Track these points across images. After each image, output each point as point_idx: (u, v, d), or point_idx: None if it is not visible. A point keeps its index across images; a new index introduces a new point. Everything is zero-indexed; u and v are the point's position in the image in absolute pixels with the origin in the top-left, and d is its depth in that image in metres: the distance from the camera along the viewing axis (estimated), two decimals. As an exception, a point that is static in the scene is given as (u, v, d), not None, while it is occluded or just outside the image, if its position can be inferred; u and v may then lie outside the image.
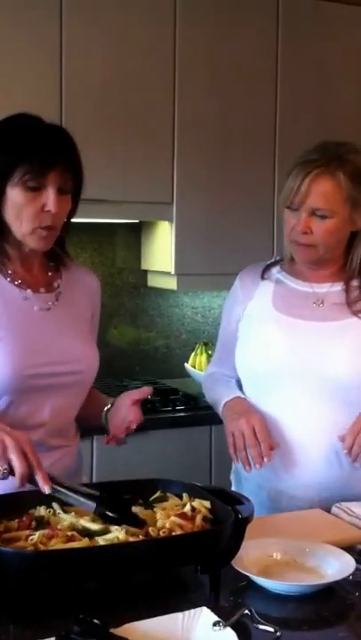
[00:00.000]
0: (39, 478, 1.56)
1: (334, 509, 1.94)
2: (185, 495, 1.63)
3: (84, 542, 1.45)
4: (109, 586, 1.48)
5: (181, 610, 1.36)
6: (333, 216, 2.03)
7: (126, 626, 1.31)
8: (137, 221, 3.68)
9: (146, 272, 3.83)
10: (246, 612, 1.38)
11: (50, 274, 1.97)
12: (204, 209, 3.57)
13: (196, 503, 1.58)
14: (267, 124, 3.69)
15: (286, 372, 2.07)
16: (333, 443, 2.03)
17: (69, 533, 1.47)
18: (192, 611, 1.36)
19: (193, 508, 1.56)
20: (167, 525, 1.51)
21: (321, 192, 2.03)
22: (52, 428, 1.90)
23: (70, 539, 1.46)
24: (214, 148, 3.56)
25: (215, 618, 1.33)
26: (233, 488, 2.24)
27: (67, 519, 1.52)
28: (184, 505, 1.58)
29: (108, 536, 1.46)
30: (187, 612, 1.36)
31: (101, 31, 3.29)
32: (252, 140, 3.64)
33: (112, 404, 2.02)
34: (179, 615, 1.35)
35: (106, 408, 2.02)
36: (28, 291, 1.89)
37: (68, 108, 3.22)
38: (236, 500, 1.57)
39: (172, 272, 3.52)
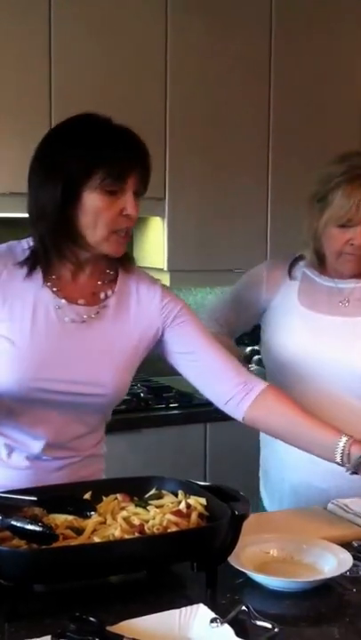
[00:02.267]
0: None
1: (331, 506, 1.94)
2: (180, 492, 1.62)
3: (78, 540, 1.44)
4: (105, 583, 1.48)
5: (178, 607, 1.36)
6: None
7: (122, 623, 1.30)
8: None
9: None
10: (243, 608, 1.37)
11: (100, 283, 1.85)
12: (196, 205, 3.56)
13: (192, 500, 1.57)
14: (260, 120, 3.68)
15: (309, 364, 2.11)
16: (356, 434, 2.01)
17: (63, 532, 1.46)
18: (189, 608, 1.35)
19: (188, 506, 1.55)
20: (163, 523, 1.50)
21: None
22: (53, 440, 1.81)
23: (64, 537, 1.45)
24: (206, 144, 3.55)
25: (212, 615, 1.33)
26: (261, 486, 2.30)
27: (60, 517, 1.51)
28: (179, 502, 1.57)
29: (103, 534, 1.46)
30: (183, 609, 1.35)
31: (91, 26, 3.27)
32: (245, 136, 3.64)
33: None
34: (175, 612, 1.35)
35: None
36: (63, 300, 1.79)
37: (57, 105, 3.20)
38: (232, 496, 1.56)
39: (165, 268, 3.52)
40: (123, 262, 1.88)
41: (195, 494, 1.59)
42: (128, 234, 1.79)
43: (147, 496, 1.63)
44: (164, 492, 1.64)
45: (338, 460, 1.79)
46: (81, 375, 1.77)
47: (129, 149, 1.76)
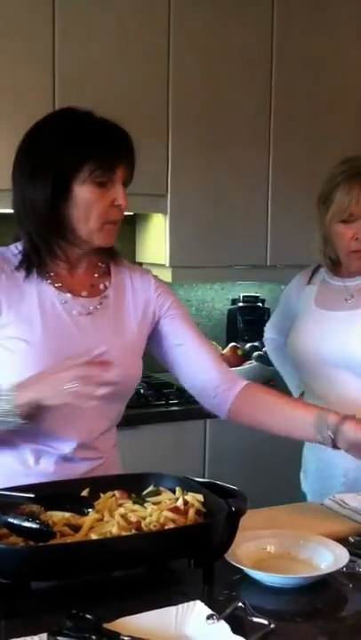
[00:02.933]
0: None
1: (328, 502, 1.94)
2: (178, 489, 1.62)
3: (75, 537, 1.44)
4: (102, 580, 1.48)
5: (175, 604, 1.36)
6: None
7: (119, 620, 1.31)
8: (131, 214, 3.67)
9: (140, 264, 3.83)
10: (240, 604, 1.38)
11: (96, 276, 1.90)
12: (198, 201, 3.56)
13: (189, 497, 1.57)
14: (262, 116, 3.68)
15: (321, 359, 2.27)
16: None
17: (61, 529, 1.46)
18: (185, 604, 1.36)
19: (186, 502, 1.55)
20: (160, 520, 1.50)
21: None
22: (83, 439, 1.82)
23: (62, 534, 1.45)
24: (209, 140, 3.55)
25: (209, 611, 1.33)
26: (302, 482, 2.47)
27: (58, 515, 1.51)
28: (177, 499, 1.57)
29: (101, 531, 1.46)
30: (180, 606, 1.35)
31: (95, 20, 3.26)
32: (247, 133, 3.64)
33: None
34: (172, 609, 1.35)
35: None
36: (68, 294, 1.83)
37: (60, 100, 3.20)
38: (230, 493, 1.57)
39: (167, 264, 3.52)
40: (112, 256, 1.92)
41: (192, 491, 1.60)
42: (118, 224, 1.82)
43: (144, 493, 1.63)
44: (161, 488, 1.64)
45: (318, 434, 1.79)
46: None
47: (116, 140, 1.79)
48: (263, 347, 3.86)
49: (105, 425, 1.88)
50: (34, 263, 1.81)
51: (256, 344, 3.82)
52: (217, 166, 3.58)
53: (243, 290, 4.14)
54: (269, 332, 2.73)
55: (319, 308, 2.36)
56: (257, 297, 4.10)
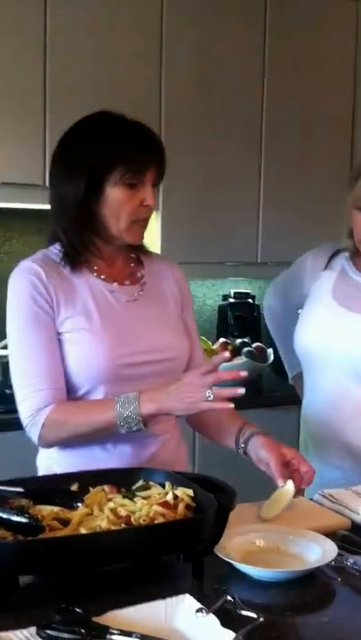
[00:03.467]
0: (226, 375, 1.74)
1: (317, 497, 1.95)
2: (167, 484, 1.62)
3: (65, 532, 1.45)
4: (91, 575, 1.48)
5: (164, 597, 1.36)
6: None
7: (108, 614, 1.30)
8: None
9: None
10: (229, 598, 1.38)
11: (132, 265, 2.03)
12: (189, 198, 3.57)
13: (179, 491, 1.57)
14: (253, 114, 3.70)
15: (330, 355, 2.18)
16: None
17: (50, 523, 1.47)
18: (175, 598, 1.36)
19: (175, 497, 1.56)
20: (150, 514, 1.50)
21: None
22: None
23: (51, 528, 1.45)
24: (201, 138, 3.56)
25: (198, 605, 1.33)
26: None
27: (47, 509, 1.51)
28: (166, 493, 1.58)
29: (90, 525, 1.46)
30: (169, 600, 1.36)
31: (87, 24, 3.28)
32: (239, 130, 3.66)
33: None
34: (161, 603, 1.35)
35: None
36: (114, 284, 1.96)
37: (51, 103, 3.22)
38: (219, 488, 1.57)
39: (158, 261, 3.52)
40: (140, 248, 2.05)
41: (182, 485, 1.60)
42: (146, 222, 1.94)
43: (134, 487, 1.64)
44: (151, 483, 1.65)
45: (236, 445, 1.95)
46: (152, 343, 1.93)
47: (146, 144, 1.89)
48: (254, 343, 3.87)
49: None
50: (75, 258, 1.93)
51: (246, 340, 3.83)
52: (208, 164, 3.59)
53: (233, 286, 4.15)
54: (271, 298, 2.60)
55: (337, 304, 2.22)
56: (247, 293, 4.11)
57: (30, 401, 1.85)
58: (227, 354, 1.74)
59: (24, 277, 1.89)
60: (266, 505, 1.84)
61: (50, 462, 1.97)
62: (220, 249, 3.67)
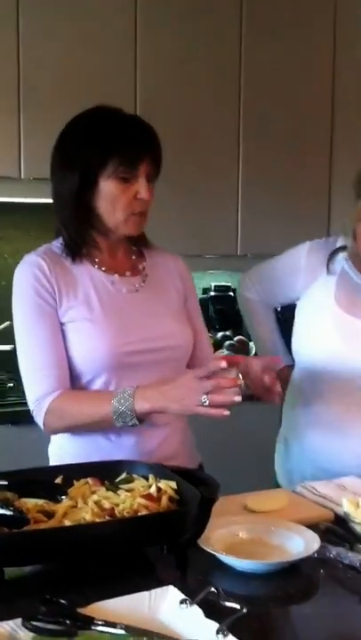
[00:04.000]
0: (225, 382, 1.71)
1: (299, 489, 1.96)
2: (151, 476, 1.63)
3: (49, 524, 1.45)
4: (76, 566, 1.49)
5: (148, 589, 1.37)
6: None
7: (93, 605, 1.31)
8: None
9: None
10: (213, 589, 1.39)
11: (134, 257, 2.07)
12: (168, 191, 3.54)
13: (162, 484, 1.58)
14: (232, 107, 3.70)
15: (335, 365, 2.12)
16: None
17: (34, 515, 1.47)
18: (159, 589, 1.37)
19: (159, 489, 1.57)
20: (133, 506, 1.51)
21: None
22: None
23: (35, 521, 1.46)
24: (179, 131, 3.56)
25: (182, 596, 1.34)
26: (277, 455, 2.38)
27: (32, 501, 1.52)
28: (150, 486, 1.58)
29: (74, 517, 1.47)
30: (153, 591, 1.36)
31: (62, 12, 3.26)
32: (218, 124, 3.65)
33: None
34: (145, 594, 1.36)
35: None
36: (115, 275, 1.99)
37: (25, 95, 3.20)
38: (202, 480, 1.58)
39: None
40: (140, 240, 2.08)
41: (165, 478, 1.61)
42: (144, 215, 1.97)
43: (117, 480, 1.64)
44: (134, 476, 1.66)
45: None
46: (154, 332, 1.96)
47: (140, 137, 1.91)
48: (235, 336, 3.89)
49: None
50: (76, 251, 1.96)
51: (228, 333, 3.84)
52: (187, 157, 3.59)
53: (213, 279, 4.15)
54: (250, 288, 2.44)
55: (342, 310, 2.14)
56: (228, 286, 4.12)
57: (36, 387, 1.90)
58: (223, 363, 1.74)
59: (27, 270, 1.94)
60: (256, 497, 1.85)
61: (59, 451, 2.03)
62: (200, 242, 3.68)
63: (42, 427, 1.93)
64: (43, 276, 1.92)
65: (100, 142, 1.88)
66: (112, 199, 1.90)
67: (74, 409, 1.89)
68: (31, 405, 1.92)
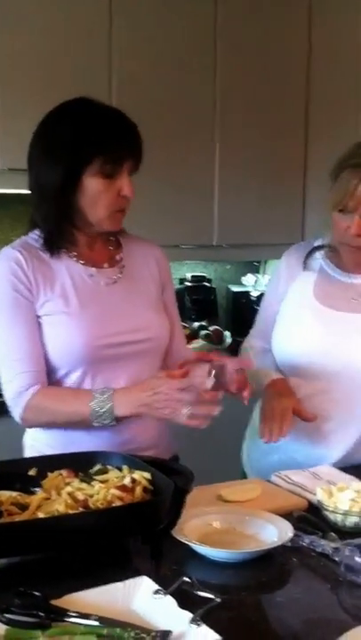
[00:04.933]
0: (208, 395, 1.73)
1: (274, 478, 1.97)
2: (125, 467, 1.63)
3: (23, 516, 1.45)
4: (50, 558, 1.49)
5: (123, 580, 1.37)
6: None
7: (66, 597, 1.31)
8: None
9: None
10: (186, 579, 1.39)
11: (111, 248, 2.06)
12: (144, 181, 3.52)
13: (137, 475, 1.58)
14: (209, 97, 3.69)
15: (317, 359, 2.13)
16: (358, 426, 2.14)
17: (8, 508, 1.47)
18: (132, 580, 1.37)
19: (133, 480, 1.57)
20: (107, 497, 1.51)
21: None
22: None
23: (9, 513, 1.46)
24: (156, 122, 3.54)
25: (156, 586, 1.35)
26: (245, 444, 2.38)
27: (5, 494, 1.51)
28: (124, 477, 1.58)
29: (48, 509, 1.47)
30: (127, 582, 1.37)
31: (33, 2, 3.24)
32: (194, 114, 3.65)
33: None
34: (119, 585, 1.36)
35: None
36: (93, 268, 1.99)
37: (2, 92, 3.18)
38: (176, 470, 1.59)
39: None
40: (119, 231, 2.07)
41: (139, 469, 1.61)
42: (125, 211, 1.97)
43: (91, 471, 1.64)
44: (108, 467, 1.66)
45: None
46: (131, 324, 1.97)
47: (124, 136, 1.90)
48: (211, 326, 3.90)
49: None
50: (54, 245, 1.96)
51: (204, 323, 3.85)
52: (162, 147, 3.58)
53: (189, 270, 4.16)
54: (252, 339, 2.36)
55: (320, 304, 2.16)
56: (204, 277, 4.12)
57: (14, 382, 1.90)
58: (209, 383, 1.75)
59: (4, 265, 1.93)
60: (230, 487, 1.86)
61: (34, 442, 2.04)
62: (175, 232, 3.67)
63: (19, 421, 1.94)
64: (19, 269, 1.92)
65: (88, 141, 1.87)
66: (95, 196, 1.89)
67: (52, 407, 1.90)
68: (8, 400, 1.92)
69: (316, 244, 2.25)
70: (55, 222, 1.94)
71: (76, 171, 1.87)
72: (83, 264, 1.98)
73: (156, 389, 1.77)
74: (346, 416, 2.14)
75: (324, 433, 2.15)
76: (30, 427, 2.00)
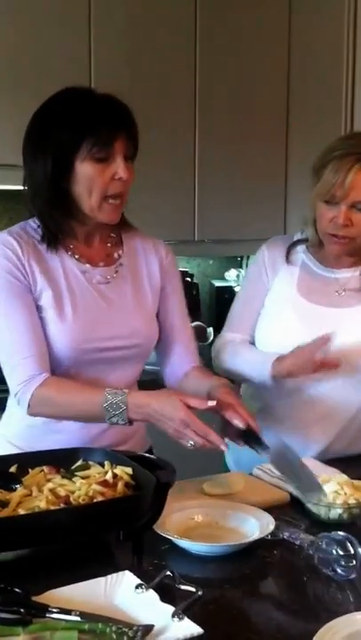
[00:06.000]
0: (214, 440, 1.68)
1: (255, 471, 1.98)
2: (107, 463, 1.63)
3: (3, 513, 1.45)
4: (31, 555, 1.49)
5: (105, 575, 1.37)
6: None
7: (48, 593, 1.31)
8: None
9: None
10: (169, 573, 1.40)
11: (109, 245, 2.01)
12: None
13: (118, 470, 1.59)
14: (187, 91, 3.68)
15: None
16: (343, 418, 2.16)
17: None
18: (115, 575, 1.38)
19: (115, 475, 1.57)
20: (89, 493, 1.51)
21: None
22: None
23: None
24: (135, 117, 3.53)
25: (138, 581, 1.35)
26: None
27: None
28: (106, 472, 1.58)
29: (29, 505, 1.47)
30: (109, 577, 1.37)
31: (18, 9, 3.22)
32: (174, 109, 3.64)
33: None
34: (101, 580, 1.37)
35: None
36: (87, 265, 1.94)
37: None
38: (158, 465, 1.59)
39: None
40: (122, 225, 2.01)
41: (121, 464, 1.61)
42: (123, 200, 1.90)
43: (73, 467, 1.64)
44: (90, 462, 1.66)
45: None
46: (119, 330, 1.92)
47: (112, 115, 1.85)
48: (193, 322, 3.89)
49: (130, 383, 1.99)
50: (52, 239, 1.91)
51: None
52: (143, 142, 3.55)
53: (172, 265, 4.15)
54: (230, 333, 2.30)
55: (303, 299, 2.17)
56: (185, 272, 4.12)
57: (19, 370, 1.85)
58: (211, 404, 1.74)
59: None
60: (212, 481, 1.86)
61: (5, 432, 2.03)
62: (156, 227, 3.62)
63: (26, 409, 1.86)
64: (14, 256, 1.87)
65: (72, 123, 1.82)
66: (88, 181, 1.83)
67: (61, 400, 1.84)
68: (15, 388, 1.86)
69: (296, 237, 2.26)
70: (50, 213, 1.88)
71: (65, 157, 1.82)
72: (77, 259, 1.93)
73: (168, 417, 1.71)
74: (328, 409, 2.15)
75: (306, 425, 2.15)
76: (35, 416, 1.90)
